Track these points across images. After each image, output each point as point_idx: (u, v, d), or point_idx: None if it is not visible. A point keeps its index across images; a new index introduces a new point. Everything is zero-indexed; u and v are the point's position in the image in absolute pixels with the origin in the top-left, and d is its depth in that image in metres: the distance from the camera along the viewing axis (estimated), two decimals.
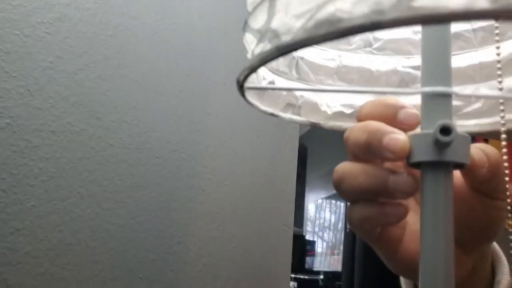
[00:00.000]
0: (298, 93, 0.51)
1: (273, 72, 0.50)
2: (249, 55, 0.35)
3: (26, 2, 0.69)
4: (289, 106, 0.51)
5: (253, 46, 0.35)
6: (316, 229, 5.79)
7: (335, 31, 0.24)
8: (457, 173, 0.40)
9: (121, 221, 0.76)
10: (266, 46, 0.30)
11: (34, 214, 0.68)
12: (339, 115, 0.53)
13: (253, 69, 0.31)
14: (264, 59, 0.29)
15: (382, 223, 0.39)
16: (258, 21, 0.33)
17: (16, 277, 0.66)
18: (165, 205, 0.82)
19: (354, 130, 0.38)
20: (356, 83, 0.53)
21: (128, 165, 0.78)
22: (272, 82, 0.48)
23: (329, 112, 0.53)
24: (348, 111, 0.53)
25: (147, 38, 0.83)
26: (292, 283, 2.35)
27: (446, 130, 0.33)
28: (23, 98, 0.68)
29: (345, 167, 0.38)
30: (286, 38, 0.28)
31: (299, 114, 0.52)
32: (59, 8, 0.72)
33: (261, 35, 0.32)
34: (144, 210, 0.79)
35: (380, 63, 0.53)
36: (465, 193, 0.40)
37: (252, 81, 0.45)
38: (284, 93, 0.49)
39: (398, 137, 0.35)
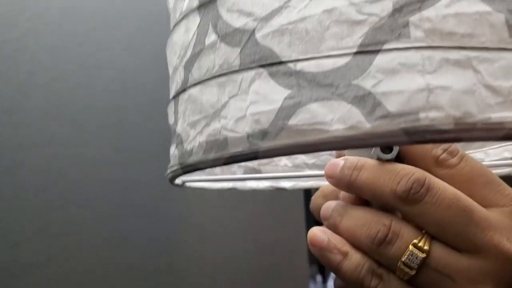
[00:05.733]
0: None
1: None
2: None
3: None
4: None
5: (173, 138, 0.36)
6: None
7: (220, 158, 0.25)
8: None
9: (120, 220, 0.77)
10: (175, 151, 0.31)
11: (32, 226, 0.69)
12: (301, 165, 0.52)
13: (171, 180, 0.33)
14: (174, 176, 0.31)
15: None
16: (170, 119, 0.34)
17: (24, 286, 0.68)
18: (159, 202, 0.82)
19: None
20: None
21: (120, 167, 0.78)
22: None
23: (290, 164, 0.52)
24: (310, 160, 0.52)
25: (120, 38, 0.82)
26: None
27: (388, 147, 0.33)
28: (1, 119, 0.69)
29: None
30: (186, 147, 0.29)
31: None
32: (23, 24, 0.72)
33: (173, 133, 0.33)
34: (141, 206, 0.79)
35: None
36: None
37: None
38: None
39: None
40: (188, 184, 0.39)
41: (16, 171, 0.69)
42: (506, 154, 0.44)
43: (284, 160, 0.51)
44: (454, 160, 0.29)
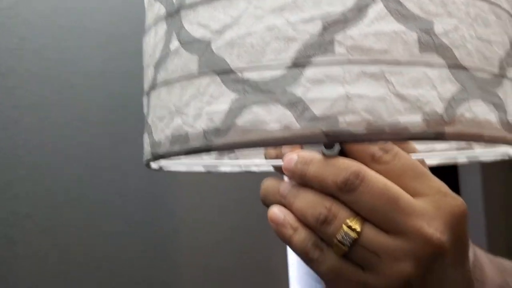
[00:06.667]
0: None
1: None
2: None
3: None
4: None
5: (145, 127, 0.39)
6: None
7: (182, 150, 0.30)
8: None
9: (110, 178, 0.81)
10: (146, 139, 0.36)
11: (28, 179, 0.74)
12: None
13: (147, 166, 0.38)
14: (147, 163, 0.36)
15: None
16: (144, 109, 0.38)
17: (21, 236, 0.74)
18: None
19: None
20: None
21: (109, 125, 0.83)
22: None
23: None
24: None
25: (110, 4, 0.85)
26: None
27: (329, 144, 0.35)
28: None
29: None
30: (155, 137, 0.34)
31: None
32: None
33: (145, 122, 0.37)
34: (132, 164, 0.83)
35: None
36: None
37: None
38: None
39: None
40: (165, 168, 0.44)
41: (12, 129, 0.74)
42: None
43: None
44: (387, 157, 0.33)
